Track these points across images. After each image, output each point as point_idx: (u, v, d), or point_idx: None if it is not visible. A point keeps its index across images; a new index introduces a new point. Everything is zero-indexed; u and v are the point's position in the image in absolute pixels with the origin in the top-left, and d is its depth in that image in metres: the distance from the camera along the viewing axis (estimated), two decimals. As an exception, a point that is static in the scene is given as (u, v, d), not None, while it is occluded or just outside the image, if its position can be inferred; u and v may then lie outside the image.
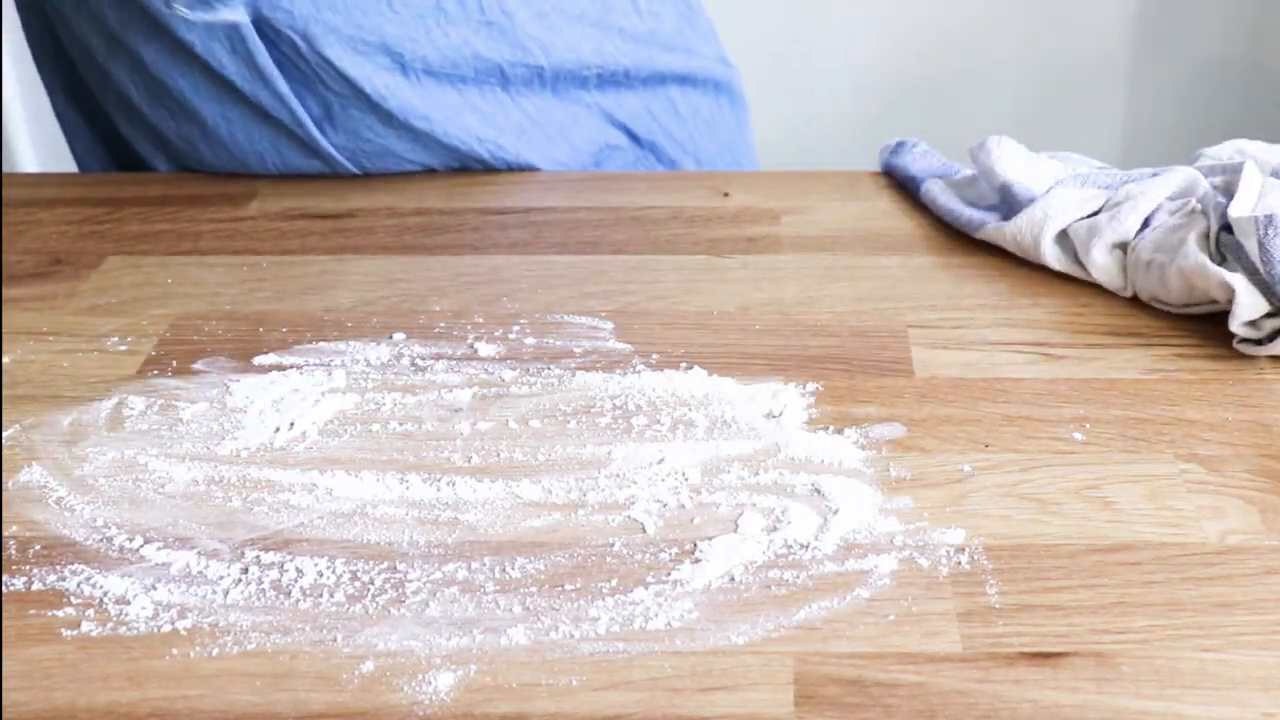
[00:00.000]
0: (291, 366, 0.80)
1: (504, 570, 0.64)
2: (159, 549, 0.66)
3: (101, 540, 0.67)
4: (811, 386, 0.77)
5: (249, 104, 0.98)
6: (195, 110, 0.99)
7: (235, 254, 0.93)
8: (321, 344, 0.82)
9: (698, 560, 0.64)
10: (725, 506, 0.68)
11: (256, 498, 0.69)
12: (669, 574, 0.64)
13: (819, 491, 0.69)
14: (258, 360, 0.81)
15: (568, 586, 0.63)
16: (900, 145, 1.02)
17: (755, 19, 2.07)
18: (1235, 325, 0.78)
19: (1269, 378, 0.77)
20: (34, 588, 0.64)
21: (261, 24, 0.94)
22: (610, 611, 0.62)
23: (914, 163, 1.00)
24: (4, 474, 0.71)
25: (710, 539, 0.66)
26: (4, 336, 0.83)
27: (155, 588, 0.64)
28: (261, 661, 0.59)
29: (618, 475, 0.70)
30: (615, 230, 0.96)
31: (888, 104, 2.13)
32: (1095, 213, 0.87)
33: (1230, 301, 0.78)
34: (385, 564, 0.65)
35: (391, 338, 0.82)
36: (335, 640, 0.60)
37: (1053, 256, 0.87)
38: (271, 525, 0.68)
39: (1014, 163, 0.92)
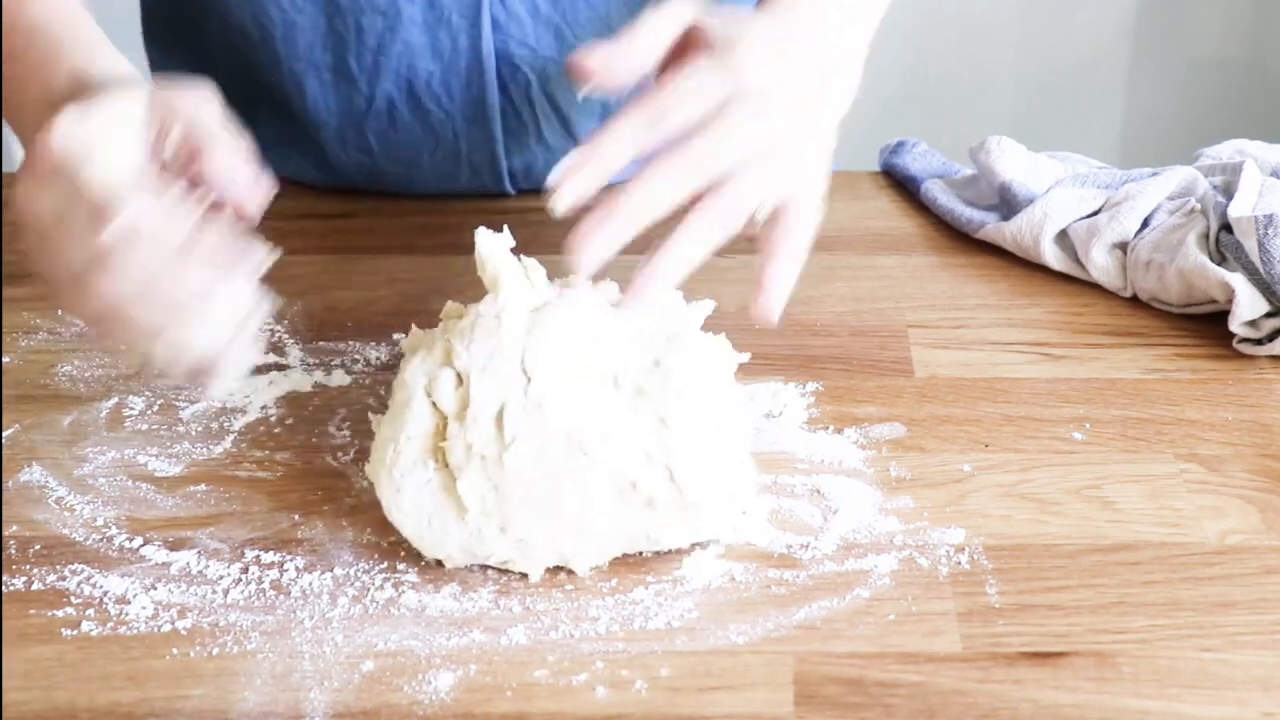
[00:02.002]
0: (291, 366, 0.80)
1: (504, 569, 0.64)
2: (159, 549, 0.66)
3: (101, 540, 0.67)
4: (811, 386, 0.77)
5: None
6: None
7: (235, 254, 0.93)
8: (321, 343, 0.82)
9: (698, 560, 0.64)
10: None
11: (257, 497, 0.69)
12: (669, 574, 0.64)
13: (819, 491, 0.69)
14: (258, 360, 0.81)
15: (568, 586, 0.63)
16: (900, 145, 1.02)
17: (755, 19, 2.06)
18: (1235, 325, 0.78)
19: (1269, 377, 0.77)
20: (34, 587, 0.64)
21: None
22: (610, 611, 0.62)
23: (914, 163, 1.00)
24: (4, 474, 0.71)
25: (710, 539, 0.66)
26: (4, 336, 0.83)
27: (155, 587, 0.64)
28: (261, 661, 0.59)
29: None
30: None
31: (887, 104, 2.13)
32: (1095, 212, 0.87)
33: (1230, 301, 0.78)
34: (385, 563, 0.65)
35: (391, 338, 0.82)
36: (335, 640, 0.60)
37: (1052, 256, 0.86)
38: (272, 525, 0.68)
39: (1014, 163, 0.92)
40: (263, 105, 0.96)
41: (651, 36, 0.66)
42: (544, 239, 0.94)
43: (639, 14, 0.91)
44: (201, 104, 0.65)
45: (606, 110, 0.99)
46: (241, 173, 0.65)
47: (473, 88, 0.93)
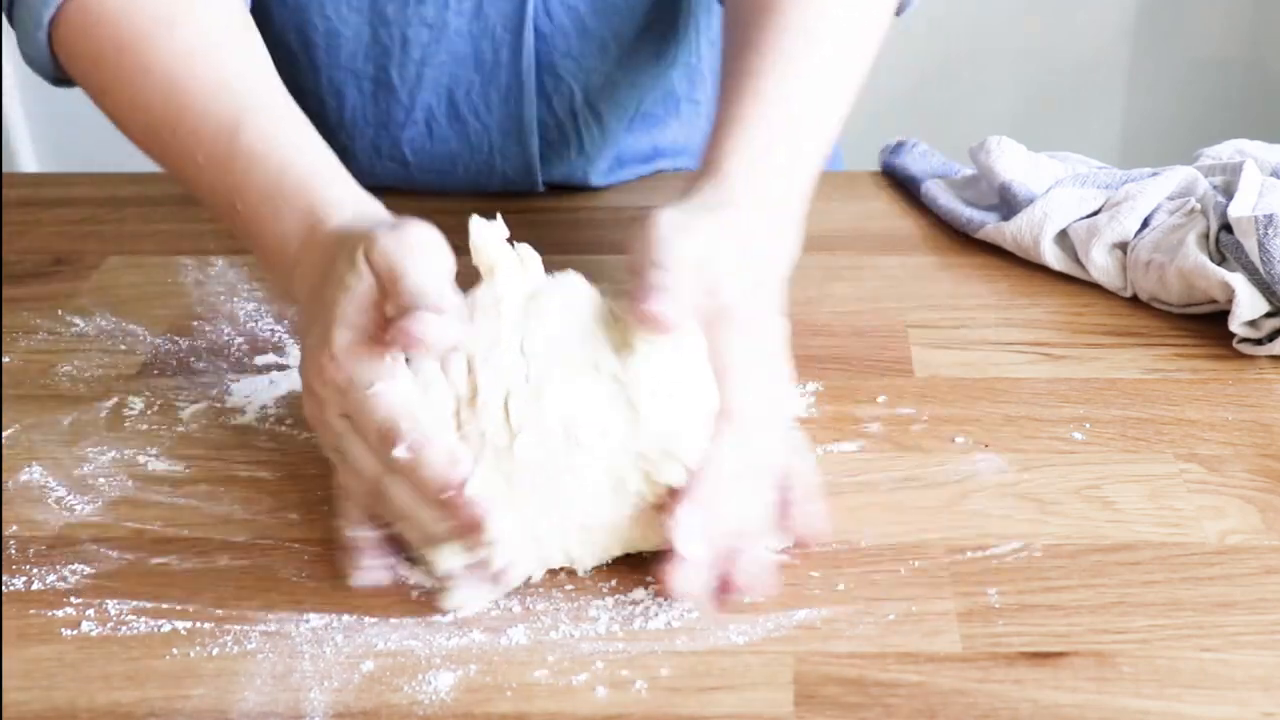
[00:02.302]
0: (291, 366, 0.80)
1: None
2: (158, 549, 0.66)
3: (101, 540, 0.67)
4: (811, 386, 0.77)
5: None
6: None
7: (236, 253, 0.93)
8: (321, 344, 0.82)
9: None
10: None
11: (257, 497, 0.69)
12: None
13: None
14: (258, 360, 0.81)
15: (568, 586, 0.63)
16: (900, 145, 1.02)
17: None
18: (1235, 325, 0.78)
19: (1269, 377, 0.77)
20: (34, 587, 0.64)
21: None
22: (610, 611, 0.62)
23: (914, 163, 1.00)
24: (4, 473, 0.71)
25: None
26: (4, 336, 0.83)
27: (155, 587, 0.64)
28: (261, 661, 0.59)
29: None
30: (615, 230, 0.96)
31: (887, 104, 2.12)
32: (1095, 212, 0.87)
33: (1230, 301, 0.78)
34: (385, 563, 0.65)
35: (391, 337, 0.82)
36: (335, 640, 0.60)
37: (1052, 256, 0.86)
38: (272, 525, 0.67)
39: (1014, 163, 0.92)
40: None
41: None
42: (544, 238, 0.94)
43: (681, 24, 0.91)
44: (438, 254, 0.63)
45: (647, 120, 1.00)
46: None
47: (510, 101, 0.94)
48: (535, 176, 0.98)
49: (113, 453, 0.73)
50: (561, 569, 0.64)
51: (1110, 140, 2.18)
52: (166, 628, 0.61)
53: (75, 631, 0.61)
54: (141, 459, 0.72)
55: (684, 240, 0.63)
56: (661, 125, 1.01)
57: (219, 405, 0.76)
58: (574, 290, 0.65)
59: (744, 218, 0.67)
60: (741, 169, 0.70)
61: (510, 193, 0.98)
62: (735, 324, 0.63)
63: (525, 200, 0.98)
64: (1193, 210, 0.84)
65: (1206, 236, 0.81)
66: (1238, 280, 0.77)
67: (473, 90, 0.94)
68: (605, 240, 0.93)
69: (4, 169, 2.21)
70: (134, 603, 0.63)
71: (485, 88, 0.94)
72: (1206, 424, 0.73)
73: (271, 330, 0.83)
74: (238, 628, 0.61)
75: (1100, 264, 0.84)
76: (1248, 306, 0.77)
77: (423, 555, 0.63)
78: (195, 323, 0.85)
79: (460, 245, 0.64)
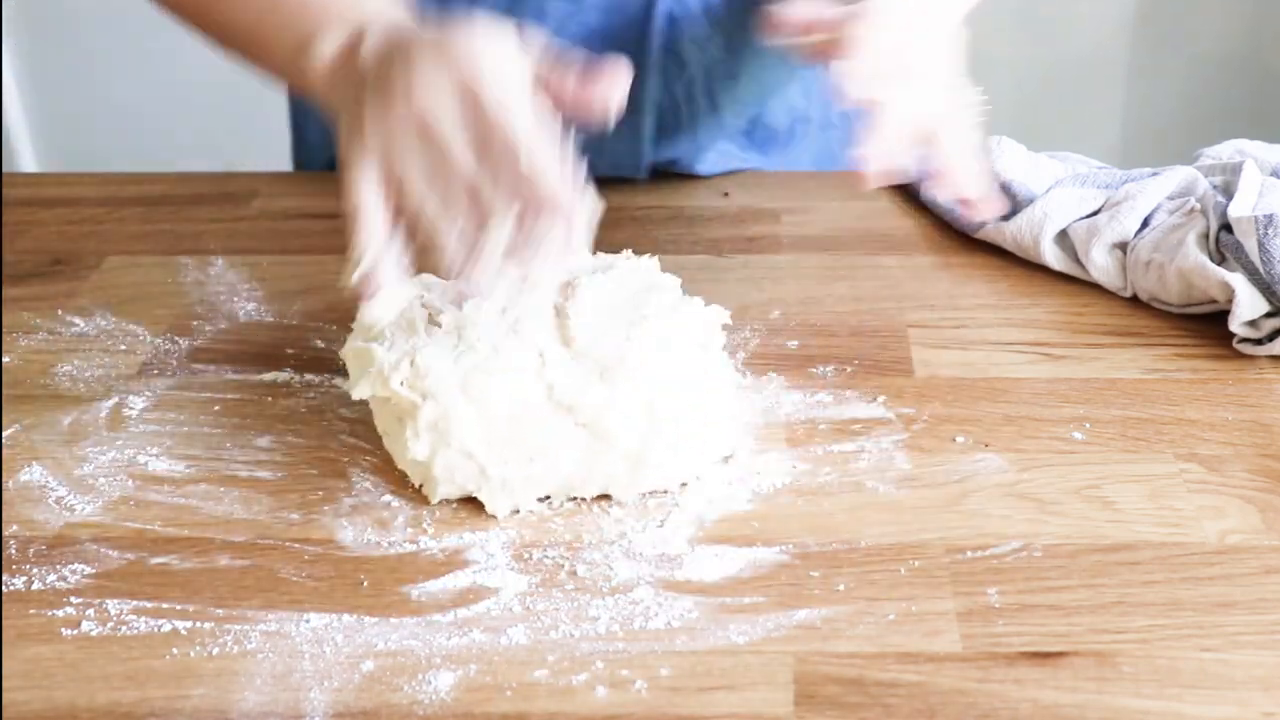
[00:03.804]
0: (291, 365, 0.80)
1: (506, 569, 0.64)
2: (159, 549, 0.66)
3: (101, 540, 0.67)
4: (812, 386, 0.77)
5: None
6: None
7: (236, 253, 0.93)
8: (320, 343, 0.82)
9: (697, 558, 0.64)
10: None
11: (257, 497, 0.69)
12: (668, 572, 0.64)
13: (819, 491, 0.69)
14: (258, 360, 0.81)
15: (568, 586, 0.63)
16: None
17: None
18: (1235, 325, 0.78)
19: (1269, 377, 0.77)
20: (34, 587, 0.64)
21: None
22: (610, 611, 0.62)
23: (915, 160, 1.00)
24: (4, 474, 0.71)
25: (710, 538, 0.66)
26: (4, 336, 0.83)
27: (156, 587, 0.64)
28: (261, 661, 0.59)
29: (618, 475, 0.70)
30: (615, 230, 0.96)
31: (888, 104, 2.12)
32: (1095, 212, 0.87)
33: (1230, 301, 0.78)
34: (385, 563, 0.65)
35: (391, 337, 0.82)
36: (335, 640, 0.60)
37: (1052, 256, 0.86)
38: (272, 525, 0.67)
39: (1014, 162, 0.92)
40: None
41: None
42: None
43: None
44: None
45: (759, 106, 1.01)
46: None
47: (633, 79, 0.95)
48: (641, 159, 0.99)
49: (113, 452, 0.73)
50: (563, 568, 0.64)
51: (1110, 140, 2.18)
52: (167, 627, 0.61)
53: (75, 631, 0.61)
54: (141, 459, 0.72)
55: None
56: (775, 139, 1.04)
57: (219, 405, 0.76)
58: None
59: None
60: None
61: (613, 179, 0.99)
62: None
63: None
64: (1192, 210, 0.84)
65: (1206, 236, 0.81)
66: (1238, 280, 0.77)
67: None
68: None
69: (4, 169, 2.21)
70: (134, 602, 0.63)
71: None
72: (1206, 424, 0.73)
73: (271, 329, 0.83)
74: (238, 627, 0.61)
75: (1100, 264, 0.84)
76: (1248, 306, 0.77)
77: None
78: (195, 322, 0.85)
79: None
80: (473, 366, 0.66)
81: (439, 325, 0.69)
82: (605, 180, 0.99)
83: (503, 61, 0.63)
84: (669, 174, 1.04)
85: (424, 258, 0.64)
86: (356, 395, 0.68)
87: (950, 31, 0.75)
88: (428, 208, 0.63)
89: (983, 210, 0.75)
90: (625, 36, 0.93)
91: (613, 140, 0.98)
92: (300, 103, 1.10)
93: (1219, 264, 0.79)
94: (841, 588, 0.63)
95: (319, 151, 1.09)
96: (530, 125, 0.62)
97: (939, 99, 0.73)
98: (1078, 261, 0.86)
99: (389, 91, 0.63)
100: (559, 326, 0.69)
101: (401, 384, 0.66)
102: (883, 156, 0.68)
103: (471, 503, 0.68)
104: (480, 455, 0.66)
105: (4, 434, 0.74)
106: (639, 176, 1.01)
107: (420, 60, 0.63)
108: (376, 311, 0.65)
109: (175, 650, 0.60)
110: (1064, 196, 0.87)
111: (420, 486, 0.69)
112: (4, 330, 0.84)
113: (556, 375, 0.67)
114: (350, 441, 0.73)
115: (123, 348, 0.82)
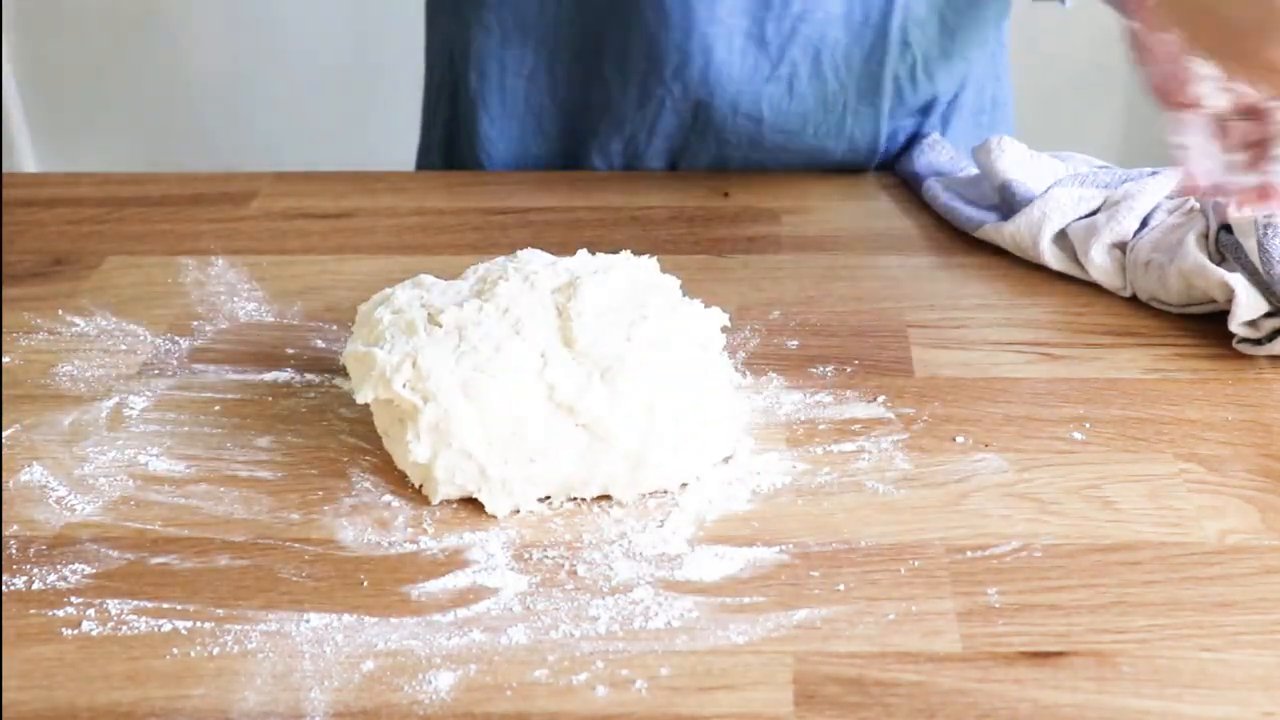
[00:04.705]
0: (291, 365, 0.80)
1: (507, 569, 0.64)
2: (159, 548, 0.66)
3: (102, 540, 0.67)
4: (812, 386, 0.77)
5: None
6: None
7: (236, 253, 0.93)
8: (320, 343, 0.82)
9: (697, 558, 0.64)
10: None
11: (257, 497, 0.69)
12: (668, 572, 0.64)
13: (819, 491, 0.69)
14: (258, 359, 0.81)
15: (568, 586, 0.63)
16: (912, 140, 1.03)
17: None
18: (1234, 325, 0.78)
19: (1268, 377, 0.77)
20: (34, 587, 0.64)
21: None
22: (610, 611, 0.62)
23: (919, 157, 1.00)
24: (5, 473, 0.71)
25: (710, 538, 0.66)
26: (4, 336, 0.83)
27: (156, 586, 0.64)
28: (262, 661, 0.59)
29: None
30: (615, 230, 0.96)
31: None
32: (1094, 212, 0.86)
33: (1229, 301, 0.78)
34: (386, 563, 0.65)
35: (392, 337, 0.82)
36: (336, 640, 0.60)
37: (1051, 256, 0.87)
38: (272, 525, 0.68)
39: (1014, 162, 0.92)
40: (641, 77, 0.99)
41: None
42: (545, 238, 0.95)
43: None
44: None
45: (961, 87, 1.04)
46: None
47: (872, 61, 0.97)
48: (880, 140, 1.01)
49: (113, 452, 0.73)
50: (563, 568, 0.64)
51: (1110, 140, 2.18)
52: (167, 627, 0.61)
53: (76, 631, 0.61)
54: (142, 459, 0.72)
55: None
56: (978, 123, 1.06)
57: (220, 405, 0.76)
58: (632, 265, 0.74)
59: None
60: None
61: (847, 167, 1.02)
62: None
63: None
64: (1192, 210, 0.84)
65: (1206, 236, 0.81)
66: (1237, 280, 0.77)
67: (838, 49, 0.97)
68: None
69: (4, 169, 2.21)
70: (134, 602, 0.63)
71: (850, 47, 0.97)
72: (1206, 424, 0.73)
73: (272, 329, 0.83)
74: (238, 627, 0.61)
75: (1099, 264, 0.84)
76: (1247, 307, 0.77)
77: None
78: (195, 323, 0.85)
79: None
80: (474, 367, 0.66)
81: (440, 325, 0.69)
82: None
83: None
84: (670, 174, 1.04)
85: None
86: (360, 400, 0.68)
87: None
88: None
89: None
90: (865, 19, 0.96)
91: (853, 124, 0.99)
92: (432, 104, 1.10)
93: (1218, 264, 0.79)
94: (841, 588, 0.63)
95: (437, 152, 1.11)
96: None
97: None
98: (1077, 261, 0.86)
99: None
100: (560, 327, 0.69)
101: (404, 386, 0.66)
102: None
103: (472, 503, 0.68)
104: (481, 456, 0.66)
105: (4, 434, 0.74)
106: (871, 163, 1.03)
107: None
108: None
109: (176, 650, 0.60)
110: (1063, 196, 0.87)
111: (420, 487, 0.69)
112: (4, 330, 0.84)
113: (557, 376, 0.67)
114: (350, 441, 0.73)
115: (123, 348, 0.83)
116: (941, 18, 0.98)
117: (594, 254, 0.75)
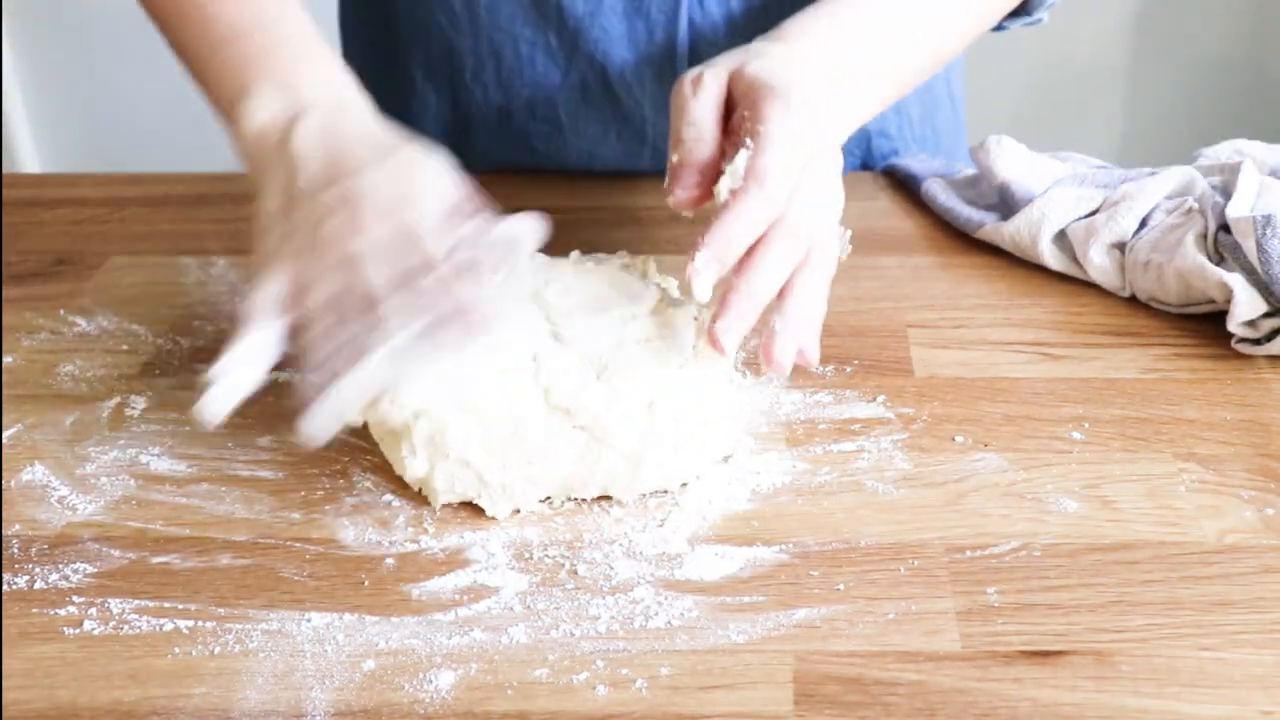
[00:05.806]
0: (291, 365, 0.80)
1: (507, 569, 0.64)
2: (161, 548, 0.66)
3: (103, 539, 0.67)
4: (812, 386, 0.77)
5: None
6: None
7: (238, 253, 0.93)
8: (323, 344, 0.82)
9: (697, 557, 0.65)
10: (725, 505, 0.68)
11: (258, 496, 0.70)
12: (668, 571, 0.64)
13: (819, 491, 0.69)
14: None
15: (568, 585, 0.63)
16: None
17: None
18: (1233, 325, 0.78)
19: (1267, 377, 0.77)
20: (36, 586, 0.64)
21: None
22: (610, 610, 0.62)
23: (916, 160, 1.00)
24: (6, 473, 0.71)
25: (710, 538, 0.66)
26: (7, 336, 0.84)
27: (157, 586, 0.64)
28: (263, 660, 0.60)
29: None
30: (615, 230, 0.96)
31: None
32: (1093, 212, 0.87)
33: (1228, 301, 0.78)
34: (386, 563, 0.65)
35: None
36: (337, 639, 0.61)
37: (1051, 256, 0.87)
38: (273, 525, 0.68)
39: (1014, 162, 0.92)
40: (448, 78, 0.99)
41: (701, 127, 0.71)
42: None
43: None
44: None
45: None
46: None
47: (665, 81, 0.96)
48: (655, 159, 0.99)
49: (115, 452, 0.73)
50: (563, 567, 0.64)
51: (1110, 140, 2.19)
52: (168, 626, 0.62)
53: (77, 630, 0.62)
54: (144, 458, 0.72)
55: (729, 55, 0.71)
56: None
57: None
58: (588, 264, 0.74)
59: (802, 47, 0.73)
60: (799, 27, 0.74)
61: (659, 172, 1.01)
62: (783, 100, 0.67)
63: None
64: (1191, 210, 0.84)
65: (1205, 237, 0.81)
66: (1236, 280, 0.77)
67: (626, 68, 0.96)
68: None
69: (5, 169, 2.21)
70: (136, 601, 0.63)
71: (639, 66, 0.96)
72: (1205, 424, 0.73)
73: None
74: (239, 627, 0.61)
75: (1098, 264, 0.84)
76: (1246, 307, 0.77)
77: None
78: (197, 323, 0.85)
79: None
80: (464, 376, 0.66)
81: None
82: (610, 176, 1.00)
83: (436, 196, 0.65)
84: None
85: (299, 357, 0.64)
86: (353, 423, 0.67)
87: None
88: (323, 322, 0.63)
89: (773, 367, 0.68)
90: (650, 40, 0.94)
91: (654, 135, 0.99)
92: (462, 114, 1.11)
93: (1217, 264, 0.79)
94: (841, 587, 0.63)
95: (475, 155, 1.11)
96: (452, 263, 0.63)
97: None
98: (1076, 261, 0.86)
99: (319, 227, 0.64)
100: (550, 328, 0.69)
101: (391, 403, 0.66)
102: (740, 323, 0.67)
103: (472, 503, 0.68)
104: (478, 463, 0.66)
105: (6, 433, 0.75)
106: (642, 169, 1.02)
107: (358, 198, 0.64)
108: (209, 411, 0.63)
109: (177, 649, 0.60)
110: (1062, 196, 0.87)
111: (420, 490, 0.69)
112: (7, 330, 0.84)
113: (553, 378, 0.67)
114: (351, 441, 0.73)
115: (125, 348, 0.83)
116: (746, 41, 0.97)
117: (586, 255, 0.75)
